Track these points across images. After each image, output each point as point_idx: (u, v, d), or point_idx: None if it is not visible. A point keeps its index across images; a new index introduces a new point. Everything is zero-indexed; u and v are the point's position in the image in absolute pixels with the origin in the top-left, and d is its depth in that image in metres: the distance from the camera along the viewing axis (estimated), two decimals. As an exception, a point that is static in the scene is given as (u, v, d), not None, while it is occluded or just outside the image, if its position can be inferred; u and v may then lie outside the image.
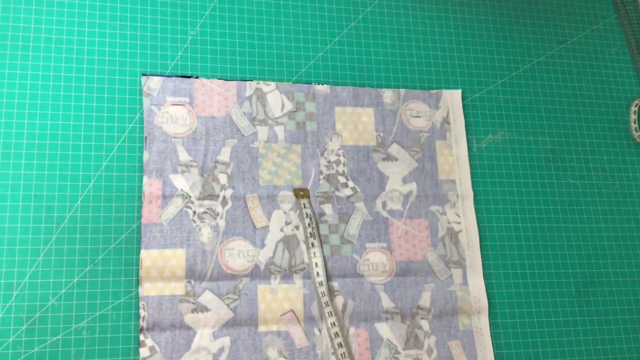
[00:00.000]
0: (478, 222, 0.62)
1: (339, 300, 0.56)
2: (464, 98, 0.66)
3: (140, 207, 0.55)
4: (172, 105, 0.57)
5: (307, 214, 0.57)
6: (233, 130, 0.58)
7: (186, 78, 0.58)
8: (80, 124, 0.55)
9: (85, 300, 0.52)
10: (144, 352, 0.51)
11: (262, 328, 0.54)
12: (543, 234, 0.63)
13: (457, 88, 0.66)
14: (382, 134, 0.62)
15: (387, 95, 0.63)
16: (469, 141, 0.64)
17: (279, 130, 0.59)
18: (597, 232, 0.65)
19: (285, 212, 0.57)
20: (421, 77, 0.65)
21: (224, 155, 0.57)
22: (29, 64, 0.56)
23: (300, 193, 0.58)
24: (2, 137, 0.54)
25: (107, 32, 0.58)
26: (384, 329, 0.57)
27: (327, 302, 0.54)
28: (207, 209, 0.56)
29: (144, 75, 0.57)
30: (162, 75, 0.58)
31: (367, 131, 0.62)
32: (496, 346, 0.59)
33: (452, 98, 0.65)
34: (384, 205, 0.60)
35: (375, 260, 0.58)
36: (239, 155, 0.58)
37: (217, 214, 0.56)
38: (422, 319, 0.58)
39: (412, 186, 0.61)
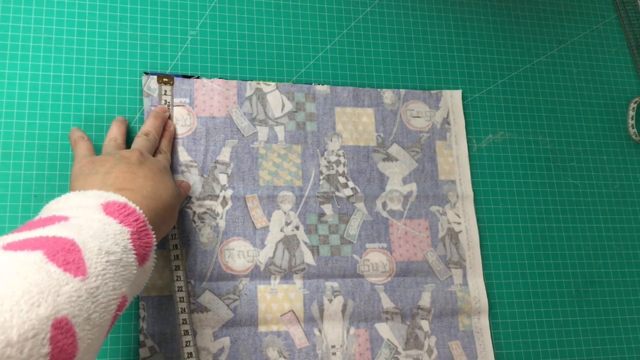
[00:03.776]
0: (478, 222, 0.62)
1: (339, 300, 0.56)
2: (464, 98, 0.66)
3: (140, 208, 0.55)
4: (173, 106, 0.57)
5: (165, 100, 0.56)
6: (233, 130, 0.58)
7: (187, 78, 0.58)
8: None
9: (86, 300, 0.52)
10: (143, 352, 0.51)
11: (262, 328, 0.54)
12: (543, 234, 0.64)
13: (457, 88, 0.66)
14: (382, 135, 0.62)
15: (387, 95, 0.63)
16: (469, 141, 0.64)
17: (279, 130, 0.59)
18: (597, 232, 0.65)
19: (285, 213, 0.57)
20: (421, 77, 0.65)
21: (224, 155, 0.57)
22: (29, 64, 0.56)
23: (164, 80, 0.57)
24: (2, 137, 0.54)
25: (107, 32, 0.58)
26: (384, 329, 0.57)
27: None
28: (207, 209, 0.56)
29: (145, 74, 0.57)
30: (164, 74, 0.58)
31: (367, 131, 0.62)
32: (496, 346, 0.59)
33: (452, 98, 0.65)
34: (384, 205, 0.60)
35: (375, 261, 0.58)
36: (239, 155, 0.58)
37: (217, 214, 0.56)
38: (422, 319, 0.58)
39: (412, 187, 0.61)
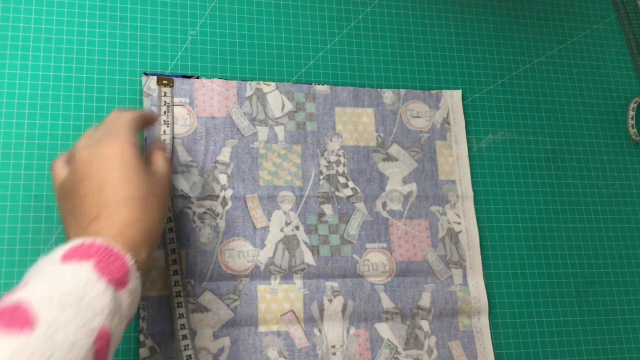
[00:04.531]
0: (478, 222, 0.62)
1: (339, 300, 0.56)
2: (464, 98, 0.66)
3: (140, 208, 0.55)
4: (173, 106, 0.57)
5: (165, 102, 0.56)
6: (233, 130, 0.58)
7: (187, 78, 0.58)
8: (81, 123, 0.55)
9: (86, 300, 0.52)
10: (143, 352, 0.51)
11: (262, 328, 0.54)
12: (543, 234, 0.64)
13: (457, 88, 0.66)
14: (382, 135, 0.62)
15: (387, 95, 0.63)
16: (469, 141, 0.64)
17: (279, 130, 0.59)
18: (597, 232, 0.65)
19: (285, 213, 0.57)
20: (421, 77, 0.65)
21: (224, 155, 0.57)
22: (29, 64, 0.56)
23: (164, 82, 0.57)
24: (2, 137, 0.54)
25: (107, 32, 0.58)
26: (384, 329, 0.57)
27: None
28: (207, 209, 0.56)
29: (145, 74, 0.57)
30: (163, 75, 0.58)
31: (367, 132, 0.62)
32: (496, 346, 0.59)
33: (452, 98, 0.65)
34: (384, 205, 0.60)
35: (375, 261, 0.58)
36: (239, 155, 0.58)
37: (217, 215, 0.56)
38: (422, 319, 0.58)
39: (412, 187, 0.61)
